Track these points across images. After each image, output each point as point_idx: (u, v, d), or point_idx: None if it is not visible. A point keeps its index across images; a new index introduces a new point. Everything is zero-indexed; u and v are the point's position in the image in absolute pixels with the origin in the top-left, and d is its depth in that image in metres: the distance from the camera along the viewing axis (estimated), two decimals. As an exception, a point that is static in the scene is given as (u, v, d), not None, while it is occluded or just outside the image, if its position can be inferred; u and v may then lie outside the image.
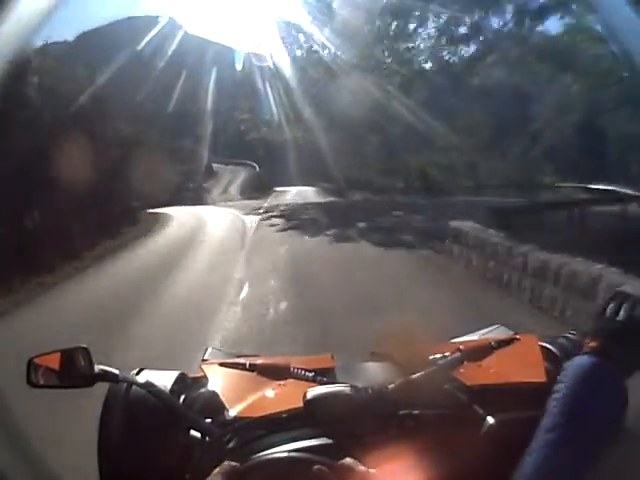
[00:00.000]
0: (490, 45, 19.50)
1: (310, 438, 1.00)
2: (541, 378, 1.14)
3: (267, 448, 0.98)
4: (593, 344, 0.90)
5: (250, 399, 1.13)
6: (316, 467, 0.81)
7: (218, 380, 1.20)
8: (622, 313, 0.90)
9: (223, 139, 31.56)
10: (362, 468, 0.81)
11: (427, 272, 8.50)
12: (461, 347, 1.24)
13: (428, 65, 22.00)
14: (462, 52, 20.44)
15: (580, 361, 0.90)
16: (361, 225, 14.05)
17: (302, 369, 1.22)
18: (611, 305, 0.92)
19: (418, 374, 1.09)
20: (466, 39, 19.60)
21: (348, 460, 0.82)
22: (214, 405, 1.12)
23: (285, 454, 0.95)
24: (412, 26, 20.51)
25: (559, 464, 0.84)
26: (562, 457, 0.84)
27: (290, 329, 5.75)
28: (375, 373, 1.20)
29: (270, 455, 0.96)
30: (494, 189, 20.57)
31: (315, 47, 21.94)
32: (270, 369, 1.23)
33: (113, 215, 13.90)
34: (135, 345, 5.49)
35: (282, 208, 19.81)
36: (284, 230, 14.50)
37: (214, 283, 8.58)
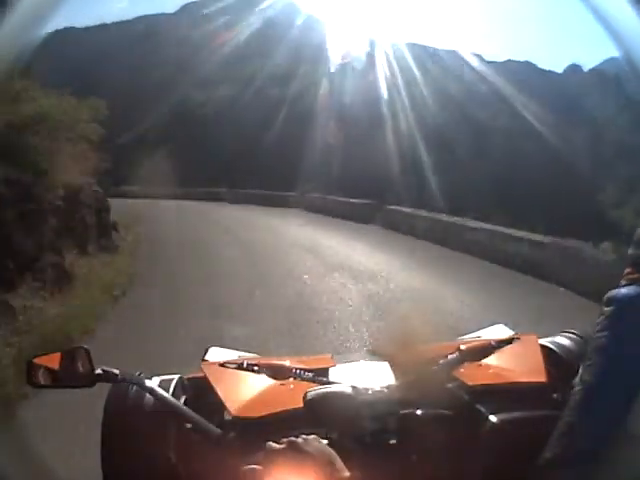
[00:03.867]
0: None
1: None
2: (541, 378, 1.14)
3: None
4: (634, 275, 0.93)
5: (250, 399, 1.13)
6: (268, 444, 0.84)
7: (218, 380, 1.20)
8: None
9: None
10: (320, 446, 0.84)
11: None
12: (462, 347, 1.24)
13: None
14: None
15: (624, 291, 0.92)
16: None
17: (302, 369, 1.22)
18: None
19: (419, 374, 1.09)
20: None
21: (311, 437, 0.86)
22: (214, 405, 1.12)
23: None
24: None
25: (609, 377, 0.87)
26: (611, 374, 0.87)
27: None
28: (375, 373, 1.19)
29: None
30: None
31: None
32: (270, 369, 1.23)
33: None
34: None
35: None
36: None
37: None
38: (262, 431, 1.01)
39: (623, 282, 0.94)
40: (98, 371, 1.10)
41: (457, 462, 1.01)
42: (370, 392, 1.07)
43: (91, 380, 1.10)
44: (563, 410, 0.93)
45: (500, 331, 1.46)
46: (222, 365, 1.28)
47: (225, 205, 22.44)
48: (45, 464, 0.98)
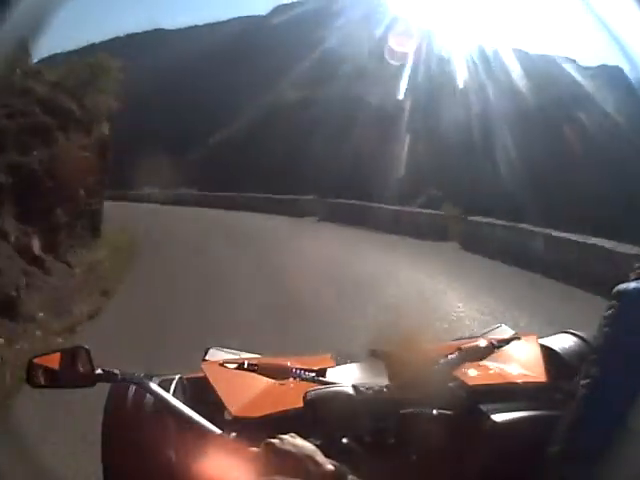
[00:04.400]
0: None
1: (310, 438, 0.99)
2: (541, 378, 1.14)
3: None
4: None
5: (250, 399, 1.13)
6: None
7: (218, 380, 1.20)
8: None
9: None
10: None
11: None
12: (462, 347, 1.24)
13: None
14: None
15: (633, 285, 0.92)
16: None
17: (302, 369, 1.22)
18: None
19: (419, 373, 1.09)
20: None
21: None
22: (214, 405, 1.12)
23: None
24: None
25: (616, 376, 0.87)
26: (616, 369, 0.87)
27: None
28: (375, 373, 1.19)
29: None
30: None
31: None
32: (270, 369, 1.23)
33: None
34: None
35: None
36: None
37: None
38: (262, 431, 1.01)
39: (632, 276, 0.94)
40: (98, 371, 1.10)
41: (457, 462, 1.01)
42: (370, 392, 1.07)
43: (91, 380, 1.10)
44: (563, 410, 0.93)
45: (500, 331, 1.46)
46: (222, 365, 1.28)
47: (319, 227, 14.06)
48: (45, 464, 0.98)
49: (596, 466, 0.83)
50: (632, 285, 0.92)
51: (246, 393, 1.15)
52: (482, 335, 1.47)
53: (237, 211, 17.79)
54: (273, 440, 0.83)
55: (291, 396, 1.09)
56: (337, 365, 1.28)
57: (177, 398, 1.11)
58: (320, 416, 1.02)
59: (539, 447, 0.92)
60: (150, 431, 1.06)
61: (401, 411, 1.05)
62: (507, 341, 1.31)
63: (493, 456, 1.00)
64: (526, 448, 0.94)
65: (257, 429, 1.02)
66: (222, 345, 1.44)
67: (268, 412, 1.07)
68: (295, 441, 0.83)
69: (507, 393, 1.10)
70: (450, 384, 1.10)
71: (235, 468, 0.91)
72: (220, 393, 1.13)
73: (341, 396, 1.04)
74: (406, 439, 1.03)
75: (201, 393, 1.17)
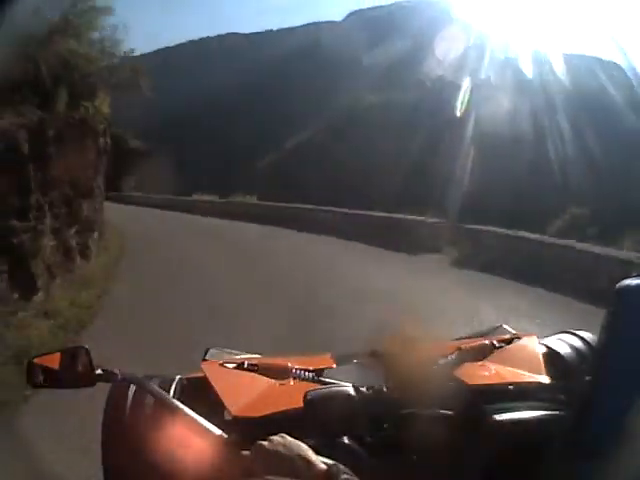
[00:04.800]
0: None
1: (309, 437, 0.99)
2: (541, 378, 1.14)
3: None
4: None
5: (250, 399, 1.13)
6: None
7: (218, 380, 1.20)
8: None
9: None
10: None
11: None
12: (462, 347, 1.24)
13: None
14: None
15: (636, 282, 0.92)
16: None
17: (302, 369, 1.22)
18: None
19: (419, 374, 1.09)
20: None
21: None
22: (214, 405, 1.12)
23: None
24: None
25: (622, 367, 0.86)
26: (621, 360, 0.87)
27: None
28: (375, 373, 1.19)
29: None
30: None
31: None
32: (270, 369, 1.23)
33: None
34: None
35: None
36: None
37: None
38: (262, 431, 1.01)
39: (635, 273, 0.94)
40: (98, 371, 1.10)
41: (457, 462, 1.01)
42: (370, 392, 1.07)
43: (91, 380, 1.10)
44: (564, 409, 0.93)
45: (500, 331, 1.46)
46: (222, 365, 1.28)
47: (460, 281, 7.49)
48: (45, 465, 0.98)
49: (597, 465, 0.83)
50: (634, 282, 0.91)
51: (246, 393, 1.15)
52: (482, 335, 1.47)
53: (311, 233, 11.97)
54: (263, 442, 0.82)
55: (291, 396, 1.09)
56: (337, 365, 1.28)
57: (177, 398, 1.11)
58: (320, 416, 1.02)
59: (540, 447, 0.92)
60: (150, 431, 1.06)
61: (401, 411, 1.05)
62: (507, 341, 1.31)
63: (492, 456, 1.00)
64: (527, 448, 0.94)
65: (257, 429, 1.02)
66: None
67: (268, 412, 1.07)
68: (285, 441, 0.82)
69: (507, 393, 1.10)
70: (450, 384, 1.11)
71: (231, 470, 0.91)
72: (220, 393, 1.13)
73: (341, 396, 1.04)
74: (406, 439, 1.03)
75: (201, 393, 1.17)
